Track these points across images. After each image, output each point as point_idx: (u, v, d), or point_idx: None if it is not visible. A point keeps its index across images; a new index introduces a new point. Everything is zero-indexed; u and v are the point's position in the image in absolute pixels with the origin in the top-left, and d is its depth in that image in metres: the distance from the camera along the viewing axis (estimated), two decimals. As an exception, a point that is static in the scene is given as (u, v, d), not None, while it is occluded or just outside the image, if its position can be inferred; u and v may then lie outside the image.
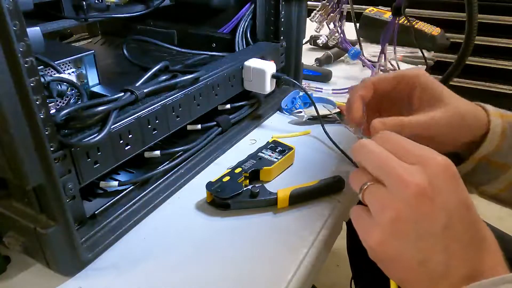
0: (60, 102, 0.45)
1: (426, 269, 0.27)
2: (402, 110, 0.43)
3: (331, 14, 0.77)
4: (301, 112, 0.66)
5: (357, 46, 0.87)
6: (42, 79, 0.39)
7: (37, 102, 0.29)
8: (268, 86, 0.60)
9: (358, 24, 0.91)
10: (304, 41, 0.71)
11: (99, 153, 0.38)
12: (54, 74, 0.44)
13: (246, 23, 0.67)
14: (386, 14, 1.08)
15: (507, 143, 0.40)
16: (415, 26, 1.01)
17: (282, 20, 0.65)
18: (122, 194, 0.44)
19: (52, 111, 0.33)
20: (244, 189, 0.46)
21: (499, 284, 0.25)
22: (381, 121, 0.39)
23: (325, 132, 0.60)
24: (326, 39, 0.81)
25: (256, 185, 0.47)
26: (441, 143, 0.40)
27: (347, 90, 0.78)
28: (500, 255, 0.28)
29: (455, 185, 0.28)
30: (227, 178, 0.47)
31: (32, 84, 0.28)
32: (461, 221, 0.27)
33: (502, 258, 0.28)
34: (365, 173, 0.31)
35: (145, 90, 0.43)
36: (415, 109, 0.41)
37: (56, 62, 0.45)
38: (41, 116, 0.30)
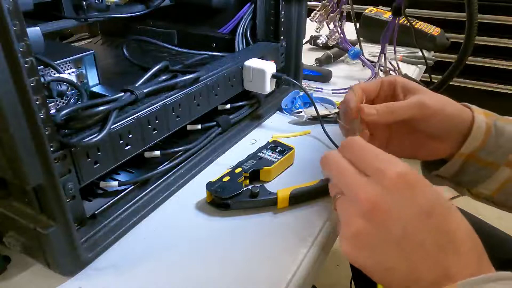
0: (60, 102, 0.45)
1: (394, 275, 0.28)
2: None
3: (331, 14, 0.77)
4: (301, 112, 0.66)
5: (357, 46, 0.87)
6: (42, 79, 0.39)
7: (37, 102, 0.29)
8: (268, 86, 0.60)
9: (358, 24, 0.91)
10: (304, 41, 0.71)
11: (99, 153, 0.38)
12: (54, 74, 0.44)
13: (246, 23, 0.67)
14: (386, 14, 1.08)
15: (493, 140, 0.40)
16: (415, 26, 1.01)
17: (282, 20, 0.65)
18: (122, 194, 0.44)
19: (52, 111, 0.33)
20: (244, 189, 0.46)
21: (482, 283, 0.25)
22: (371, 106, 0.41)
23: (325, 132, 0.60)
24: (326, 39, 0.81)
25: (256, 185, 0.47)
26: (431, 136, 0.43)
27: (347, 90, 0.78)
28: (472, 255, 0.27)
29: (411, 194, 0.28)
30: (227, 178, 0.47)
31: (32, 84, 0.28)
32: (420, 229, 0.27)
33: (474, 258, 0.27)
34: (335, 185, 0.33)
35: (145, 90, 0.43)
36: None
37: (56, 62, 0.45)
38: (41, 116, 0.30)
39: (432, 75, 0.85)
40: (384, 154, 0.30)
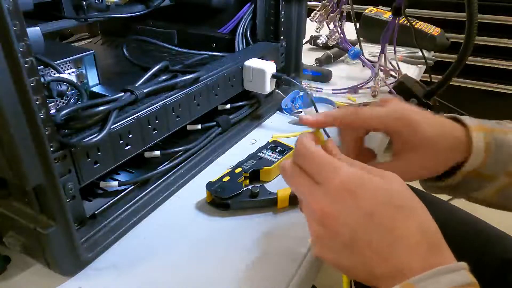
0: (60, 102, 0.45)
1: (357, 271, 0.30)
2: None
3: (331, 14, 0.77)
4: (301, 112, 0.66)
5: (357, 46, 0.87)
6: (42, 79, 0.39)
7: (37, 102, 0.29)
8: (268, 86, 0.60)
9: (358, 24, 0.91)
10: (304, 41, 0.71)
11: (99, 153, 0.38)
12: (54, 74, 0.44)
13: (246, 23, 0.67)
14: (386, 14, 1.08)
15: (493, 157, 0.40)
16: (415, 26, 1.01)
17: (282, 20, 0.65)
18: (122, 194, 0.44)
19: (52, 111, 0.33)
20: (244, 189, 0.46)
21: (437, 276, 0.26)
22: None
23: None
24: (326, 39, 0.80)
25: (256, 185, 0.47)
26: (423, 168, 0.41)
27: (347, 90, 0.78)
28: (421, 248, 0.28)
29: (353, 200, 0.30)
30: (227, 178, 0.47)
31: (32, 84, 0.28)
32: (365, 230, 0.29)
33: (423, 250, 0.28)
34: None
35: (145, 90, 0.43)
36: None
37: (56, 62, 0.45)
38: (41, 116, 0.30)
39: (432, 75, 0.85)
40: (329, 160, 0.31)
